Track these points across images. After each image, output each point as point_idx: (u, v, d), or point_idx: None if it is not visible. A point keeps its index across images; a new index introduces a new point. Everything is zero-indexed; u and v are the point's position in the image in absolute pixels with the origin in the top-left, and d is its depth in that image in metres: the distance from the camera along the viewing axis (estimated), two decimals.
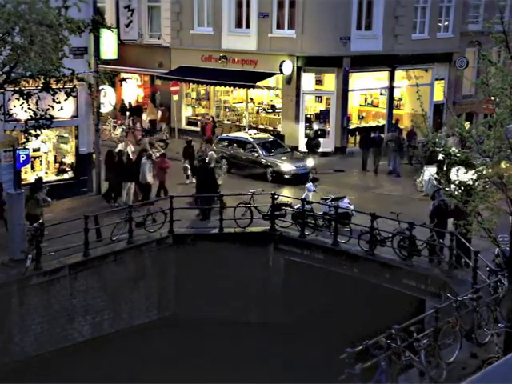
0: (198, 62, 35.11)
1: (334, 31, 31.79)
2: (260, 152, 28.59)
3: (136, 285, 20.94)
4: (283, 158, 28.61)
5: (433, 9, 35.44)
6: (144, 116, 36.58)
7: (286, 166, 27.96)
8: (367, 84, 34.62)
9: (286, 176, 27.72)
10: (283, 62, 31.83)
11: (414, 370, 13.11)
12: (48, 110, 20.27)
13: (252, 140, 29.31)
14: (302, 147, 31.65)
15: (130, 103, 38.26)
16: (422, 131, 14.49)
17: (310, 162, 28.40)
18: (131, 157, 25.17)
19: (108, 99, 27.17)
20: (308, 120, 33.17)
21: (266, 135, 31.35)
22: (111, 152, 25.10)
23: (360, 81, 33.85)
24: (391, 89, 34.72)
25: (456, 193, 13.68)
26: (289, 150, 30.09)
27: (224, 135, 31.56)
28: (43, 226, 19.58)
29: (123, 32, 35.25)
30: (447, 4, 36.44)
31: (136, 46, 36.60)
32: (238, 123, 35.49)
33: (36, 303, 18.74)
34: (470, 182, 13.41)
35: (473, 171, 13.34)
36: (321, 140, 30.98)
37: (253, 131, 30.96)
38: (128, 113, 37.54)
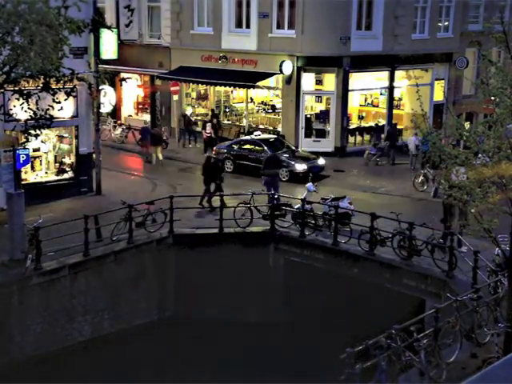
0: (198, 61, 35.12)
1: (334, 31, 31.79)
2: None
3: (136, 285, 20.93)
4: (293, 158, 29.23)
5: (433, 9, 35.45)
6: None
7: (300, 166, 28.40)
8: (367, 84, 34.62)
9: (300, 174, 28.01)
10: (283, 62, 31.84)
11: (414, 370, 13.10)
12: (48, 109, 20.27)
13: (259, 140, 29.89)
14: (303, 147, 31.74)
15: None
16: (422, 131, 14.49)
17: (321, 160, 29.22)
18: None
19: (108, 99, 27.17)
20: (308, 120, 33.22)
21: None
22: None
23: (360, 81, 33.85)
24: (391, 89, 34.73)
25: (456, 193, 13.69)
26: (293, 148, 30.39)
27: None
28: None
29: (123, 32, 35.10)
30: (447, 4, 36.46)
31: (136, 45, 36.58)
32: (237, 123, 35.51)
33: (36, 303, 18.73)
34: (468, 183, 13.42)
35: (473, 171, 13.35)
36: None
37: (257, 133, 31.42)
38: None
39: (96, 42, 25.18)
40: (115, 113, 36.94)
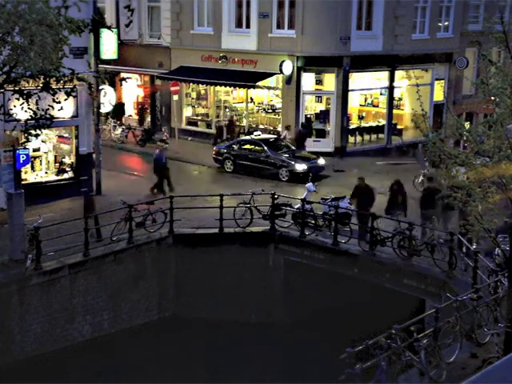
0: (197, 61, 35.12)
1: (334, 31, 31.80)
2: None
3: (136, 285, 20.93)
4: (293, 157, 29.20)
5: (433, 9, 35.45)
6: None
7: (300, 166, 28.38)
8: (367, 84, 34.61)
9: (300, 174, 27.97)
10: (283, 61, 31.85)
11: (414, 370, 13.10)
12: (48, 109, 20.26)
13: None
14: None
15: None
16: (422, 131, 14.48)
17: (321, 160, 29.19)
18: None
19: (108, 99, 27.17)
20: (308, 120, 33.21)
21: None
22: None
23: (360, 81, 33.85)
24: (391, 89, 34.72)
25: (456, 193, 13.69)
26: (293, 148, 30.41)
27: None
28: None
29: (123, 32, 35.21)
30: (447, 4, 36.46)
31: (136, 45, 36.59)
32: (237, 123, 35.50)
33: (36, 303, 18.74)
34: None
35: (473, 171, 13.35)
36: None
37: (257, 133, 31.49)
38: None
39: (96, 42, 25.18)
40: (120, 114, 36.99)
